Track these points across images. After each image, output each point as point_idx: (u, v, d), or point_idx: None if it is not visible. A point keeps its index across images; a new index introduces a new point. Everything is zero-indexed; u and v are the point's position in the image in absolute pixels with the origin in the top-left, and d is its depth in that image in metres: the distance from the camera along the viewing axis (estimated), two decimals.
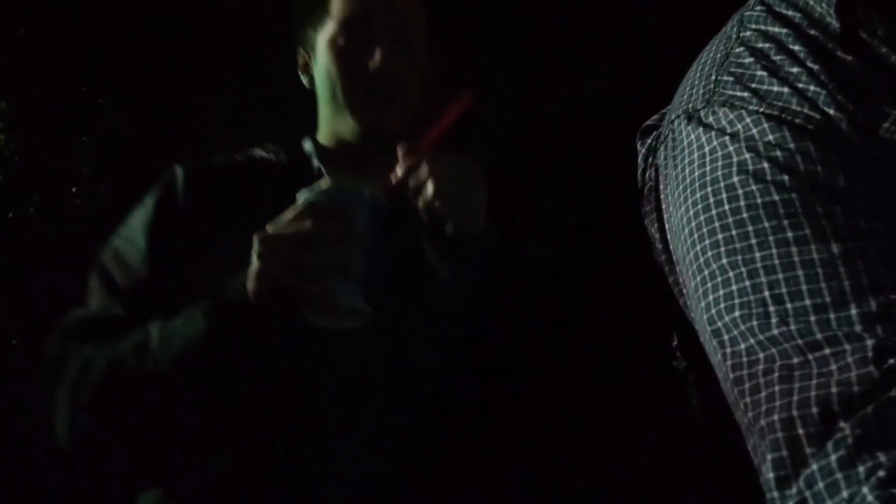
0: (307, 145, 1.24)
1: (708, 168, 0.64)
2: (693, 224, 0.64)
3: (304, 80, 1.27)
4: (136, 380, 0.98)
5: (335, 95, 1.19)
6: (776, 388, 0.54)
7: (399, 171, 1.04)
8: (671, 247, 0.70)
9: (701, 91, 0.69)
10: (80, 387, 1.00)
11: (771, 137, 0.62)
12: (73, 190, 2.03)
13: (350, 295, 0.94)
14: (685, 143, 0.68)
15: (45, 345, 1.06)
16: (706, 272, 0.61)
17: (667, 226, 0.70)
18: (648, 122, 0.80)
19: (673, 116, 0.71)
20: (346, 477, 1.04)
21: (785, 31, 0.67)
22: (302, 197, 0.97)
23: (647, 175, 0.76)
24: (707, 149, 0.65)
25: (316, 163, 1.20)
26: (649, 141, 0.77)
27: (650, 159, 0.76)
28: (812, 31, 0.66)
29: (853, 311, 0.54)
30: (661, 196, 0.71)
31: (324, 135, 1.25)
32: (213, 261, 1.01)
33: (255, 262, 0.94)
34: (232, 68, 1.68)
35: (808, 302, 0.55)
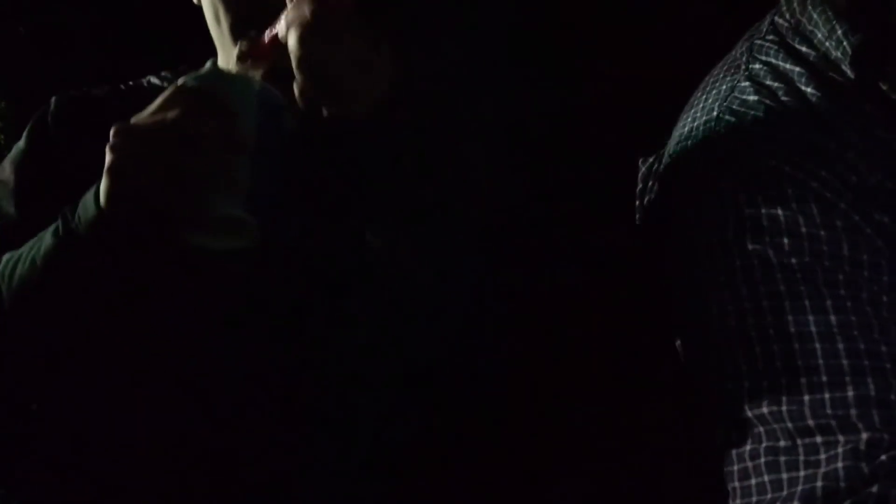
0: (205, 67, 0.93)
1: (703, 219, 0.60)
2: (685, 280, 0.60)
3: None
4: None
5: (220, 22, 0.95)
6: (766, 479, 0.51)
7: (270, 31, 0.83)
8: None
9: (702, 128, 0.64)
10: None
11: (772, 193, 0.57)
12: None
13: (230, 207, 0.75)
14: (680, 187, 0.64)
15: None
16: (695, 332, 0.58)
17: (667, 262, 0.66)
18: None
19: (670, 151, 0.67)
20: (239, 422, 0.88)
21: (798, 69, 0.62)
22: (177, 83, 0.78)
23: (646, 200, 0.71)
24: (703, 199, 0.60)
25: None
26: (651, 160, 0.73)
27: (651, 183, 0.71)
28: (827, 74, 0.61)
29: (850, 394, 0.50)
30: (661, 227, 0.68)
31: (222, 58, 1.00)
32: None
33: (108, 160, 0.75)
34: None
35: (802, 380, 0.51)
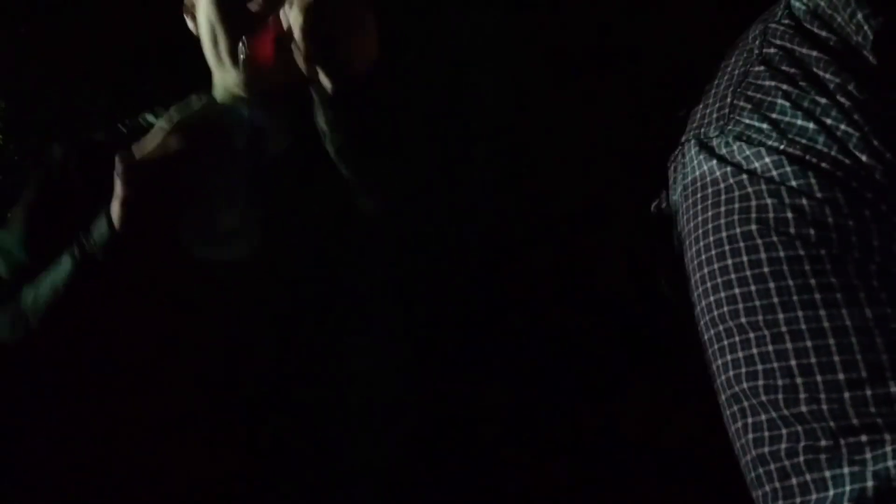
0: (198, 102, 1.03)
1: (723, 209, 0.57)
2: (706, 271, 0.57)
3: (190, 25, 1.12)
4: (15, 347, 0.91)
5: (216, 44, 1.02)
6: (808, 478, 0.49)
7: (273, 26, 0.90)
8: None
9: (715, 115, 0.62)
10: None
11: (794, 183, 0.54)
12: None
13: (230, 221, 0.86)
14: (697, 173, 0.61)
15: None
16: (721, 328, 0.56)
17: (684, 254, 0.64)
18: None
19: (684, 139, 0.65)
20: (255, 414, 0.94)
21: (815, 53, 0.59)
22: (170, 115, 0.88)
23: (665, 193, 0.69)
24: (723, 185, 0.58)
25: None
26: (675, 154, 0.69)
27: (675, 176, 0.67)
28: (847, 59, 0.58)
29: (893, 389, 0.48)
30: (676, 219, 0.65)
31: (217, 89, 1.10)
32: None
33: (118, 188, 0.84)
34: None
35: (841, 376, 0.49)
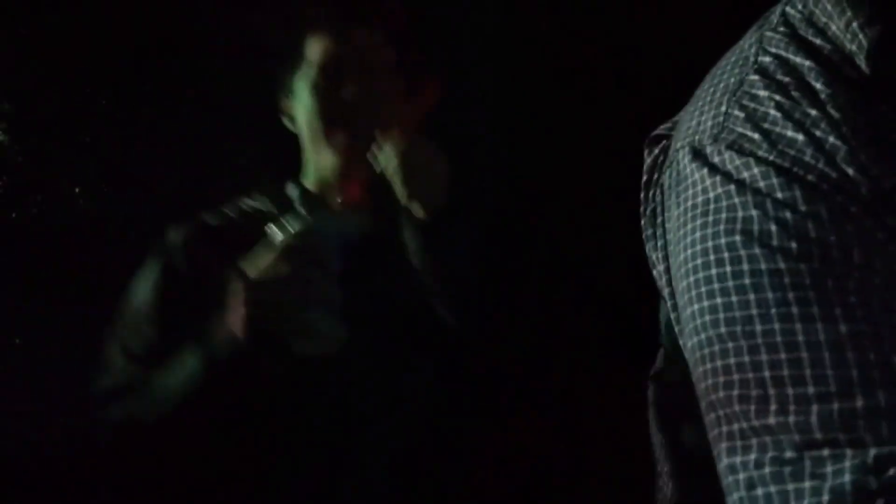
0: (291, 189, 1.33)
1: (710, 219, 0.57)
2: (692, 279, 0.58)
3: (289, 125, 1.36)
4: (151, 425, 1.10)
5: (316, 130, 1.28)
6: (772, 490, 0.49)
7: (363, 170, 1.16)
8: (673, 285, 0.64)
9: (709, 123, 0.61)
10: (110, 447, 1.14)
11: (780, 195, 0.54)
12: (76, 190, 2.03)
13: (327, 323, 1.03)
14: (689, 181, 0.61)
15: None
16: (703, 336, 0.56)
17: (671, 260, 0.65)
18: (658, 131, 0.73)
19: (678, 145, 0.64)
20: (347, 487, 1.13)
21: (808, 63, 0.58)
22: (274, 234, 1.06)
23: (651, 194, 0.70)
24: (711, 195, 0.58)
25: (298, 208, 1.29)
26: (657, 151, 0.71)
27: (655, 176, 0.69)
28: (840, 68, 0.57)
29: (859, 405, 0.48)
30: (666, 227, 0.66)
31: (309, 178, 1.34)
32: (214, 314, 1.11)
33: (238, 307, 1.03)
34: (230, 82, 1.69)
35: (811, 389, 0.49)
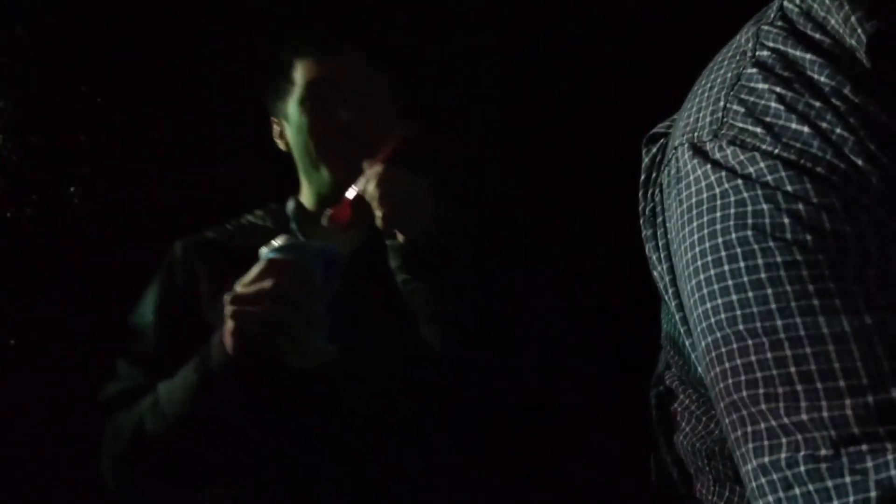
0: (289, 207, 1.39)
1: (718, 215, 0.56)
2: (702, 277, 0.56)
3: (281, 146, 1.40)
4: (154, 432, 1.16)
5: (308, 151, 1.31)
6: (811, 489, 0.48)
7: (350, 193, 1.19)
8: (678, 286, 0.62)
9: (708, 118, 0.60)
10: (116, 449, 1.20)
11: (790, 188, 0.53)
12: (72, 190, 2.02)
13: (315, 338, 1.04)
14: (691, 178, 0.60)
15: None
16: (718, 335, 0.54)
17: (673, 259, 0.63)
18: (656, 130, 0.72)
19: (676, 143, 0.63)
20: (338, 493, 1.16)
21: (809, 56, 0.57)
22: (263, 253, 1.08)
23: (650, 193, 0.69)
24: (718, 190, 0.57)
25: (293, 225, 1.34)
26: (654, 150, 0.70)
27: (654, 175, 0.68)
28: (842, 61, 0.56)
29: (894, 395, 0.46)
30: (667, 226, 0.64)
31: (305, 195, 1.39)
32: (211, 328, 1.15)
33: (227, 321, 1.06)
34: (230, 80, 1.70)
35: (841, 383, 0.48)
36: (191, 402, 1.13)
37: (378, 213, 1.15)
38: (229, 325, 1.07)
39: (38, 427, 1.83)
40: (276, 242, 1.09)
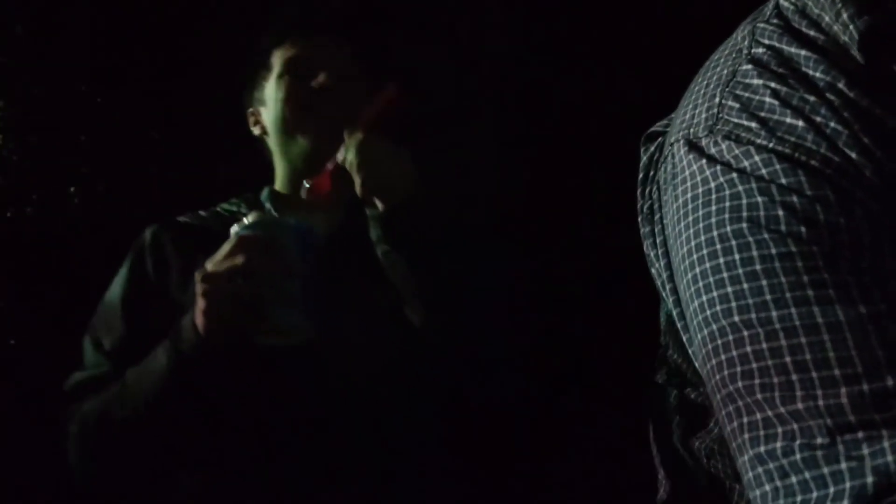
0: (263, 193, 1.37)
1: (714, 208, 0.56)
2: (697, 270, 0.56)
3: (256, 131, 1.40)
4: (123, 419, 1.13)
5: (285, 120, 1.31)
6: (807, 476, 0.48)
7: (331, 164, 1.17)
8: (675, 281, 0.63)
9: (703, 115, 0.61)
10: (82, 439, 1.17)
11: (784, 181, 0.54)
12: (72, 189, 2.03)
13: (289, 316, 1.01)
14: (686, 173, 0.60)
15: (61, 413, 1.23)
16: (714, 327, 0.55)
17: (670, 255, 0.63)
18: (654, 128, 0.73)
19: (672, 139, 0.64)
20: (304, 478, 1.14)
21: (804, 52, 0.58)
22: (234, 230, 1.05)
23: (647, 191, 0.69)
24: (713, 185, 0.57)
25: (267, 206, 1.33)
26: (652, 149, 0.70)
27: (651, 173, 0.68)
28: (836, 57, 0.57)
29: (889, 383, 0.47)
30: (664, 222, 0.65)
31: (279, 180, 1.38)
32: (181, 312, 1.12)
33: (198, 299, 1.04)
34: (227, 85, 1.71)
35: (836, 372, 0.48)
36: (161, 385, 1.09)
37: (357, 181, 1.14)
38: (200, 303, 1.04)
39: (38, 427, 1.83)
40: (248, 220, 1.06)
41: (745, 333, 0.52)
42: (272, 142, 1.37)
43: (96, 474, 1.19)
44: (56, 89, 1.98)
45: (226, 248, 1.04)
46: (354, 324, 1.18)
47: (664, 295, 0.67)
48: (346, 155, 1.14)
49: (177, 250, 1.27)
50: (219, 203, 1.39)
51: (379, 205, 1.15)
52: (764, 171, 0.55)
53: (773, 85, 0.57)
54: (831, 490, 0.47)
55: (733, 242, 0.54)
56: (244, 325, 1.02)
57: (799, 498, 0.48)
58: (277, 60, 1.35)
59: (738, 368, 0.53)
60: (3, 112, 2.02)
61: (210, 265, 1.04)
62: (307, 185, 1.19)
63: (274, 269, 1.02)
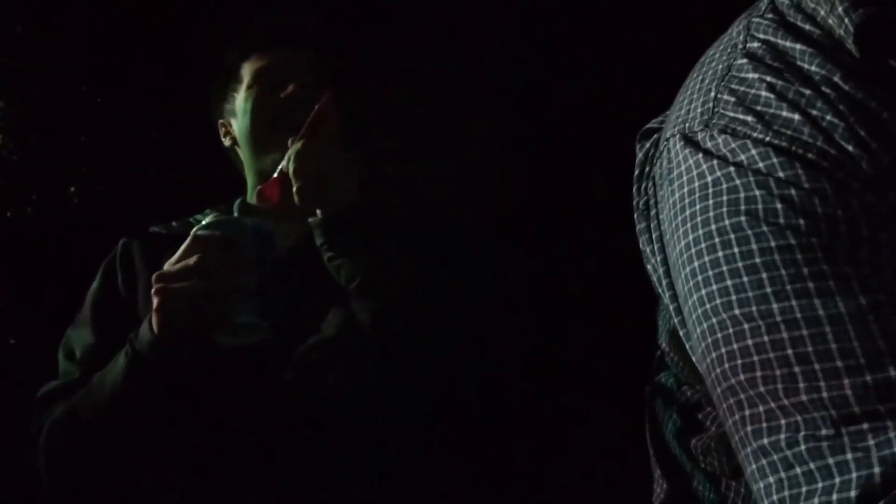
0: (236, 205, 1.39)
1: (711, 202, 0.56)
2: (696, 264, 0.56)
3: (227, 142, 1.42)
4: (86, 420, 1.15)
5: (255, 130, 1.33)
6: (812, 467, 0.48)
7: (276, 173, 1.19)
8: (672, 276, 0.63)
9: (699, 109, 0.61)
10: (49, 442, 1.19)
11: (782, 174, 0.54)
12: (72, 190, 2.03)
13: (246, 313, 1.02)
14: (682, 167, 0.60)
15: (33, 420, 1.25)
16: (714, 320, 0.55)
17: (667, 250, 0.63)
18: (649, 125, 0.72)
19: (668, 134, 0.63)
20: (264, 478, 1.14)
21: (799, 46, 0.58)
22: (192, 232, 1.06)
23: (643, 187, 0.69)
24: (710, 178, 0.57)
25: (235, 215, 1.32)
26: (648, 145, 0.70)
27: (647, 169, 0.68)
28: (831, 51, 0.57)
29: (892, 374, 0.47)
30: (660, 218, 0.64)
31: (251, 191, 1.38)
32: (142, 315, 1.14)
33: (154, 302, 1.05)
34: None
35: (839, 363, 0.48)
36: (121, 385, 1.10)
37: (294, 188, 1.15)
38: (154, 302, 1.05)
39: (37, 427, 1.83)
40: (206, 220, 1.07)
41: (746, 326, 0.52)
42: (243, 153, 1.38)
43: (64, 476, 1.21)
44: (56, 89, 1.98)
45: (182, 248, 1.06)
46: (315, 325, 1.20)
47: (660, 291, 0.66)
48: (285, 163, 1.17)
49: (145, 261, 1.29)
50: (191, 216, 1.41)
51: (318, 212, 1.17)
52: (761, 165, 0.55)
53: (768, 79, 0.57)
54: (837, 480, 0.47)
55: (732, 236, 0.54)
56: (200, 324, 1.03)
57: (804, 489, 0.48)
58: (247, 72, 1.37)
59: (739, 361, 0.52)
60: (3, 112, 2.02)
61: (166, 265, 1.06)
62: (256, 191, 1.20)
63: (229, 265, 1.02)
